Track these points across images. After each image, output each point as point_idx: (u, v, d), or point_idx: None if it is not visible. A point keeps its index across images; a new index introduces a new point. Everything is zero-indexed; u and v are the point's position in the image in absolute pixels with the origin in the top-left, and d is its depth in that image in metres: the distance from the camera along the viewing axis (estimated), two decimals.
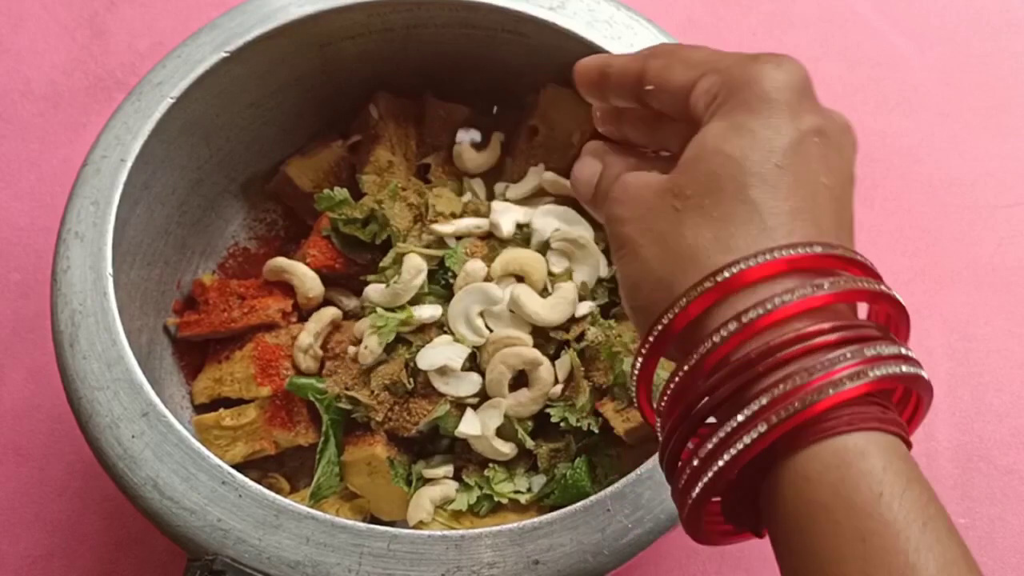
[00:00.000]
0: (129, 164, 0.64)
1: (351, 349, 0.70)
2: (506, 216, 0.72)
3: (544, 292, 0.71)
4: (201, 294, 0.75)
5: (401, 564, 0.54)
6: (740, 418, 0.39)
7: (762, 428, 0.38)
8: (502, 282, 0.71)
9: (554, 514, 0.56)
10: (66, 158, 0.88)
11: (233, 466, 0.67)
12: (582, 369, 0.69)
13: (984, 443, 0.81)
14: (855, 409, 0.39)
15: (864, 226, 0.87)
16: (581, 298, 0.70)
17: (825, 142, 0.43)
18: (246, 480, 0.56)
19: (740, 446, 0.39)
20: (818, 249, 0.41)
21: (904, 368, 0.40)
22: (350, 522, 0.55)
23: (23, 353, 0.82)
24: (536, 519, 0.56)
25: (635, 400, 0.47)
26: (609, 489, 0.57)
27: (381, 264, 0.73)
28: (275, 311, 0.73)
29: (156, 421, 0.57)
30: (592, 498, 0.57)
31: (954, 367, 0.83)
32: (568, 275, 0.71)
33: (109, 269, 0.62)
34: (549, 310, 0.70)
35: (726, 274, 0.40)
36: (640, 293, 0.44)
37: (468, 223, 0.72)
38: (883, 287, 0.42)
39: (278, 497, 0.56)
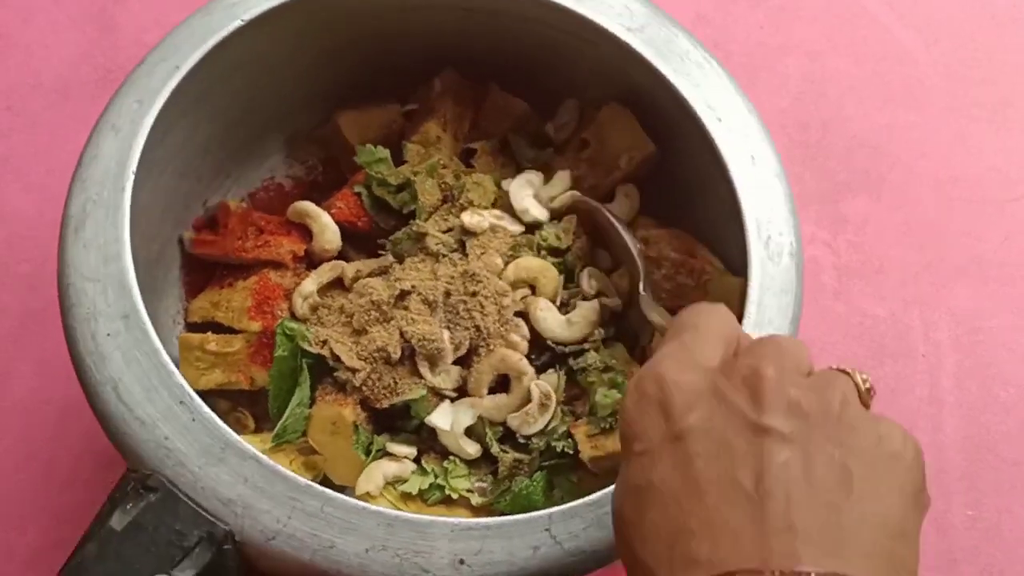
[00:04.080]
0: (183, 73, 0.64)
1: (346, 304, 0.70)
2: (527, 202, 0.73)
3: (563, 308, 0.71)
4: (224, 217, 0.75)
5: (330, 528, 0.54)
6: None
7: None
8: (514, 288, 0.70)
9: (492, 519, 0.55)
10: (75, 151, 0.87)
11: (205, 391, 0.67)
12: (564, 394, 0.68)
13: (991, 435, 0.81)
14: None
15: (871, 219, 0.89)
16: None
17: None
18: (202, 405, 0.56)
19: None
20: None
21: None
22: (291, 474, 0.55)
23: (32, 345, 0.82)
24: (473, 520, 0.55)
25: None
26: (553, 509, 0.56)
27: (392, 238, 0.73)
28: (287, 251, 0.73)
29: (134, 326, 0.57)
30: (534, 513, 0.56)
31: (961, 359, 0.84)
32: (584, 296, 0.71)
33: (134, 167, 0.62)
34: (565, 328, 0.69)
35: None
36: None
37: (492, 218, 0.72)
38: None
39: (228, 431, 0.55)
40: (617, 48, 0.69)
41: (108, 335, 0.57)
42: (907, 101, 0.94)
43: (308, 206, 0.74)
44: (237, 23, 0.66)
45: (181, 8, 0.91)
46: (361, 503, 0.55)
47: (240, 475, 0.55)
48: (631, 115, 0.74)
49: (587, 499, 0.56)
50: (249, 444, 0.55)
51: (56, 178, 0.85)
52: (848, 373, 0.44)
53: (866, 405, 0.44)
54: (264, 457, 0.55)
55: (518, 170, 0.77)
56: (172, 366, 0.57)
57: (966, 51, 0.96)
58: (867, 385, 0.45)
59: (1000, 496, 0.79)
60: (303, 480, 0.55)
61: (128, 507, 0.54)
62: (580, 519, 0.56)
